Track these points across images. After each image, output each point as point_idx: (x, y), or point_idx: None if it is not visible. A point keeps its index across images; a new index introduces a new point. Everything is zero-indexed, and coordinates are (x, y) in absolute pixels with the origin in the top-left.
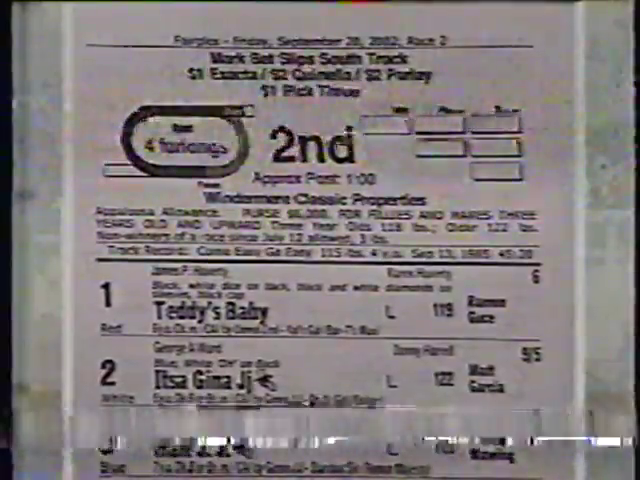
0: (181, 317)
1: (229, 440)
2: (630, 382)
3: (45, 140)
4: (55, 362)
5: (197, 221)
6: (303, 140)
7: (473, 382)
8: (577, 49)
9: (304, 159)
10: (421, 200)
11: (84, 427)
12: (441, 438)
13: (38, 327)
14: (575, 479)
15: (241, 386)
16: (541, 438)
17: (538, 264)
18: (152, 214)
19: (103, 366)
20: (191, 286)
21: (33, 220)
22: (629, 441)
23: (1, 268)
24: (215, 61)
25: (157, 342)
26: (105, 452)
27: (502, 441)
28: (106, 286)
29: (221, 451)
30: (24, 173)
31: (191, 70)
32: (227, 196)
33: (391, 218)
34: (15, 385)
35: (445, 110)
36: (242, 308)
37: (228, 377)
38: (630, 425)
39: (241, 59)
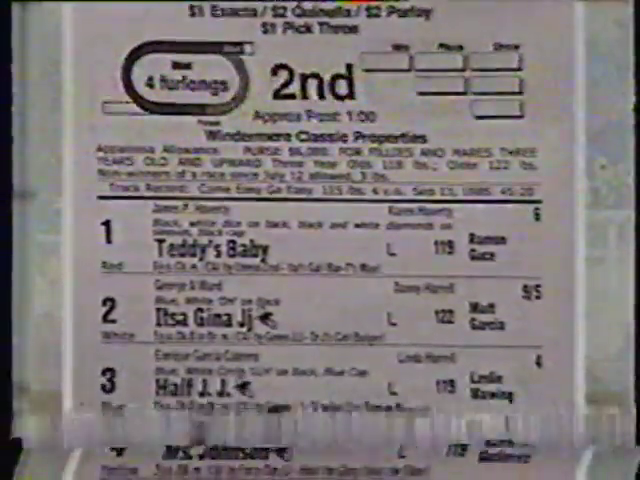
0: (182, 255)
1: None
2: (630, 381)
3: (45, 139)
4: (55, 362)
5: (197, 159)
6: (303, 77)
7: (474, 319)
8: (577, 49)
9: (304, 96)
10: (422, 138)
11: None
12: (442, 378)
13: (38, 327)
14: (576, 478)
15: (242, 324)
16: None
17: (539, 201)
18: (152, 152)
19: (104, 303)
20: (192, 224)
21: (33, 220)
22: (629, 440)
23: (1, 268)
24: None
25: (157, 280)
26: (106, 392)
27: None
28: (107, 223)
29: (222, 391)
30: (24, 173)
31: (191, 7)
32: (227, 134)
33: (392, 156)
34: (15, 385)
35: (445, 47)
36: (243, 246)
37: (229, 315)
38: (630, 423)
39: None
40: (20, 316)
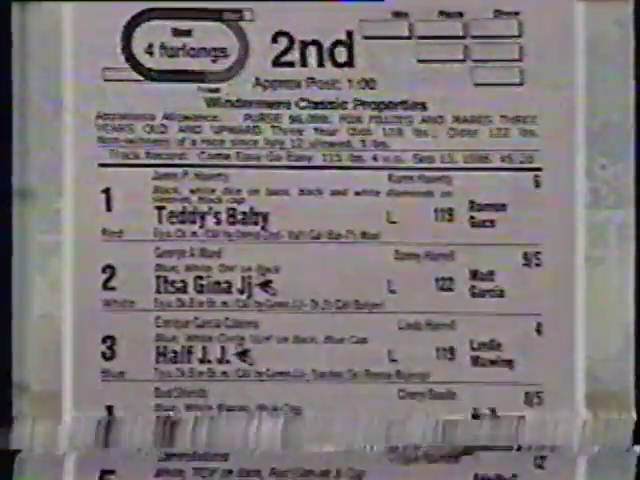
0: (182, 222)
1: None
2: (630, 381)
3: (45, 140)
4: (55, 362)
5: (197, 126)
6: (303, 44)
7: (473, 287)
8: (577, 49)
9: (304, 63)
10: (422, 105)
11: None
12: (441, 345)
13: (38, 327)
14: (575, 478)
15: (241, 291)
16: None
17: (539, 169)
18: (152, 119)
19: (104, 271)
20: (192, 191)
21: (33, 220)
22: (629, 440)
23: (1, 268)
24: None
25: (157, 247)
26: (106, 359)
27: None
28: (107, 191)
29: (221, 358)
30: (24, 173)
31: None
32: (227, 101)
33: (392, 123)
34: (15, 385)
35: (445, 14)
36: (243, 213)
37: (228, 282)
38: (630, 424)
39: None
40: (20, 316)
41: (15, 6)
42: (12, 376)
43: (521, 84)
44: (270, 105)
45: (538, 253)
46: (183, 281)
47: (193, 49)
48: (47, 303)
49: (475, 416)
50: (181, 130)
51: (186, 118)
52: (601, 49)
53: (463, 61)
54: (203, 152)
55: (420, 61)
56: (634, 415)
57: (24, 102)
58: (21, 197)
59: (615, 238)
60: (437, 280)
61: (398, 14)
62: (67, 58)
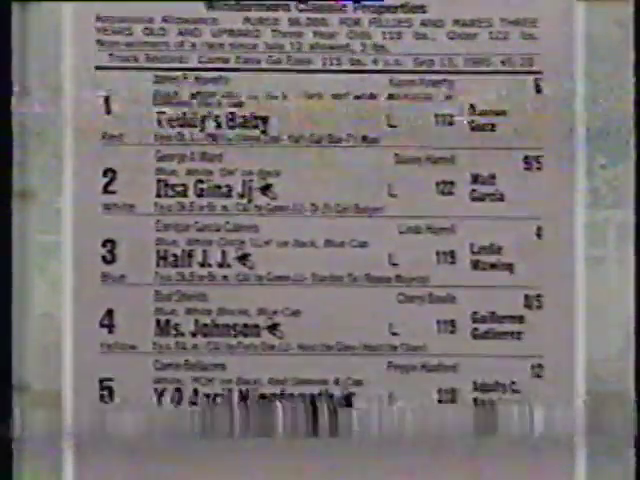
0: (182, 126)
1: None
2: (630, 381)
3: (45, 140)
4: (55, 362)
5: (197, 29)
6: None
7: (474, 191)
8: (577, 49)
9: None
10: (422, 8)
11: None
12: (441, 249)
13: (38, 327)
14: (575, 479)
15: (242, 195)
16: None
17: (539, 72)
18: (151, 22)
19: (104, 174)
20: (192, 95)
21: (33, 220)
22: (629, 440)
23: (1, 268)
24: None
25: (158, 150)
26: (106, 262)
27: (501, 250)
28: (106, 94)
29: (222, 262)
30: (24, 173)
31: None
32: (227, 4)
33: (392, 26)
34: (15, 385)
35: None
36: (243, 117)
37: (229, 186)
38: (630, 424)
39: None
40: (20, 316)
41: (15, 6)
42: (12, 376)
43: None
44: (269, 8)
45: (539, 157)
46: (183, 185)
47: None
48: (47, 303)
49: (475, 319)
50: (180, 33)
51: (185, 21)
52: (601, 49)
53: None
54: (203, 55)
55: None
56: (634, 415)
57: (24, 102)
58: (21, 197)
59: (614, 238)
60: (437, 184)
61: None
62: (67, 58)
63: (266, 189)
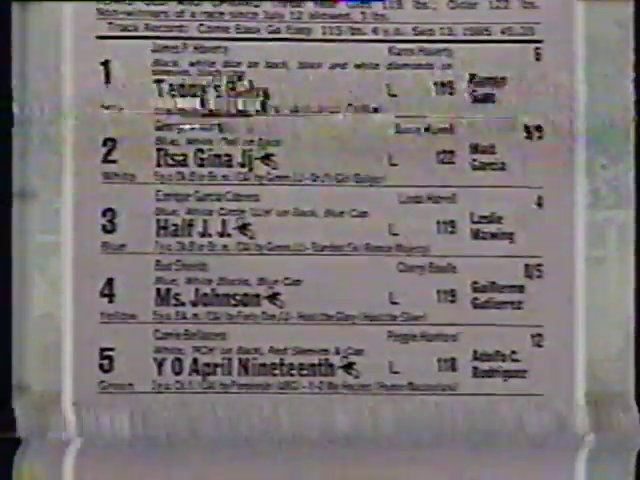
0: (182, 95)
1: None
2: (630, 381)
3: (45, 140)
4: (55, 362)
5: None
6: None
7: (474, 160)
8: (577, 49)
9: None
10: None
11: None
12: (442, 218)
13: (38, 327)
14: (576, 478)
15: (242, 164)
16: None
17: (540, 41)
18: None
19: (104, 144)
20: (191, 64)
21: (33, 220)
22: (629, 440)
23: (1, 268)
24: None
25: (158, 120)
26: (106, 232)
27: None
28: (105, 63)
29: (222, 232)
30: (24, 173)
31: None
32: None
33: None
34: (15, 385)
35: None
36: (243, 86)
37: (229, 155)
38: (630, 424)
39: None
40: (20, 316)
41: (15, 6)
42: (12, 376)
43: None
44: None
45: (539, 127)
46: (184, 154)
47: None
48: (47, 303)
49: (475, 289)
50: (180, 2)
51: None
52: (601, 49)
53: None
54: (202, 24)
55: None
56: (635, 415)
57: (24, 102)
58: (21, 197)
59: (615, 238)
60: (438, 153)
61: None
62: (67, 58)
63: (266, 158)
